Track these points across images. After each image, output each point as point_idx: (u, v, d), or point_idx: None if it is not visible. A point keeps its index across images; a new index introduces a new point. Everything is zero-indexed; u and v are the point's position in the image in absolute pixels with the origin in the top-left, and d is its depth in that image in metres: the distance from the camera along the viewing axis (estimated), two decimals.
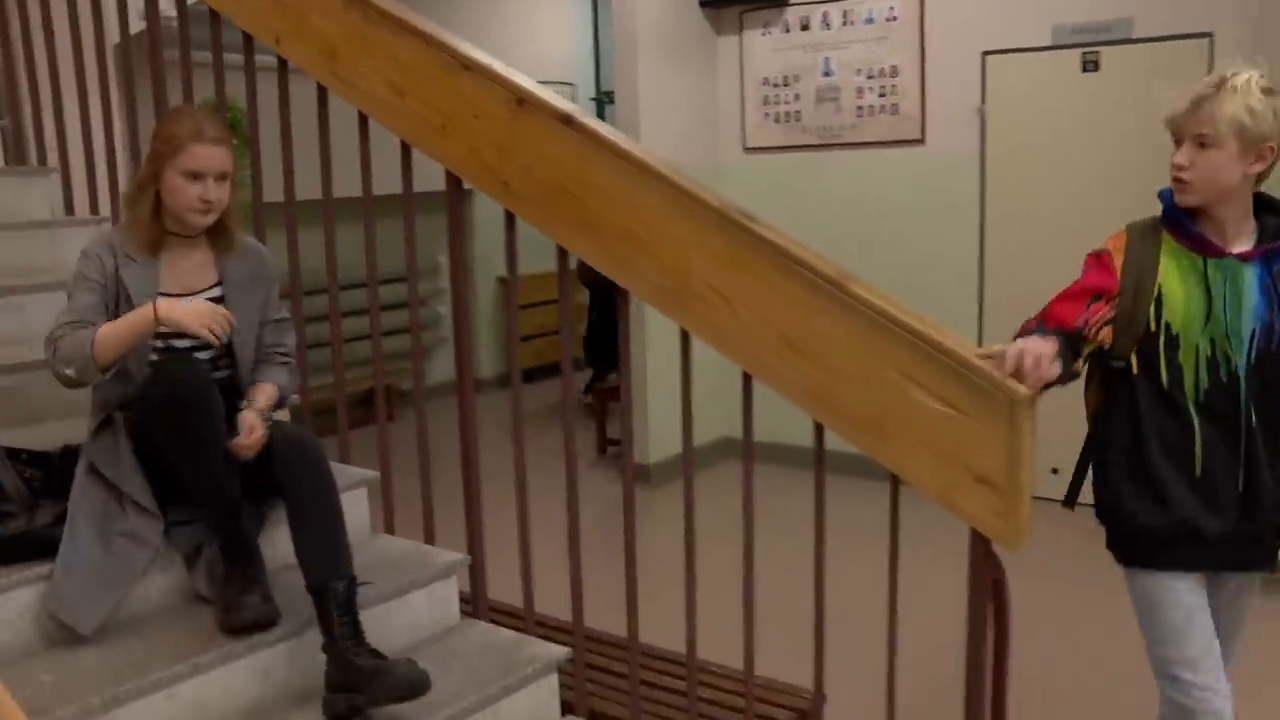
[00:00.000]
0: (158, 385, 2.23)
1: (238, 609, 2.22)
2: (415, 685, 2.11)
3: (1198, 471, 2.18)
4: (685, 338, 2.26)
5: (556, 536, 2.58)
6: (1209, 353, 2.16)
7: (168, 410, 2.22)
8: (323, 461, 2.35)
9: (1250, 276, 2.14)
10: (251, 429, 2.33)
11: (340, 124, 2.75)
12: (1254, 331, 2.14)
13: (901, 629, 2.17)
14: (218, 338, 2.26)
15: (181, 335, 2.32)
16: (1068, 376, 2.13)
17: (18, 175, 3.52)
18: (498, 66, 2.40)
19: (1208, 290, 2.16)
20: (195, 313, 2.24)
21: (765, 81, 5.88)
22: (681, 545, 2.33)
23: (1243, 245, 2.17)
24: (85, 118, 3.43)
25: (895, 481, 2.04)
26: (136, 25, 3.33)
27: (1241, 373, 2.16)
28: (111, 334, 2.22)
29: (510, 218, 2.47)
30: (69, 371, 2.21)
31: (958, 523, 1.96)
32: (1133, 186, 4.99)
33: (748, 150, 6.00)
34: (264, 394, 2.45)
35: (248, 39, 2.85)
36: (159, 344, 2.36)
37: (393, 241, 3.17)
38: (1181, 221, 2.20)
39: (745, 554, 2.29)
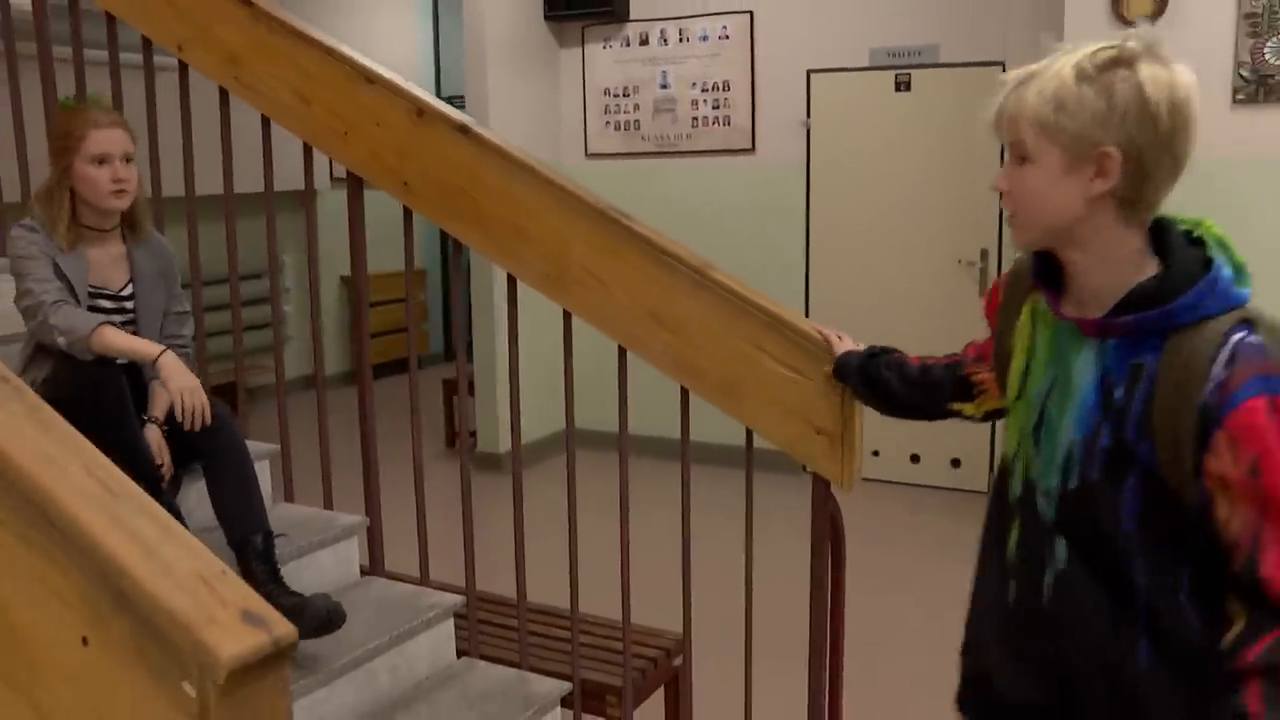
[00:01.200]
0: (69, 378, 2.45)
1: None
2: (333, 614, 2.37)
3: (1010, 601, 1.53)
4: (567, 318, 2.61)
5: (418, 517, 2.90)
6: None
7: (73, 405, 2.45)
8: (235, 429, 2.60)
9: (1085, 361, 1.42)
10: (160, 449, 2.56)
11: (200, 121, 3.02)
12: (1069, 448, 1.42)
13: (752, 581, 2.58)
14: (185, 417, 2.44)
15: (103, 297, 2.57)
16: (885, 401, 2.03)
17: None
18: (399, 80, 2.70)
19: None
20: (186, 387, 2.44)
21: (606, 92, 6.27)
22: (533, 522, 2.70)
23: (1094, 310, 1.41)
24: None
25: (750, 434, 2.45)
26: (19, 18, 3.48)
27: (1046, 506, 1.46)
28: (114, 340, 2.42)
29: (408, 214, 2.78)
30: (62, 340, 2.40)
31: (802, 504, 2.36)
32: (942, 195, 5.62)
33: (589, 156, 6.38)
34: (161, 403, 2.66)
35: (146, 42, 3.06)
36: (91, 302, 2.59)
37: (245, 240, 3.39)
38: (1037, 264, 1.50)
39: (621, 517, 2.66)
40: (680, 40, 6.04)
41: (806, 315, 5.91)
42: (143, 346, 2.48)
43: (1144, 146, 1.32)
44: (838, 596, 2.44)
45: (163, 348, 2.49)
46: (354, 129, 2.75)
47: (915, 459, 5.88)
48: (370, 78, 2.71)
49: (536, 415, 4.59)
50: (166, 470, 2.58)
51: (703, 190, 6.11)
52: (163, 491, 2.58)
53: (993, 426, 5.70)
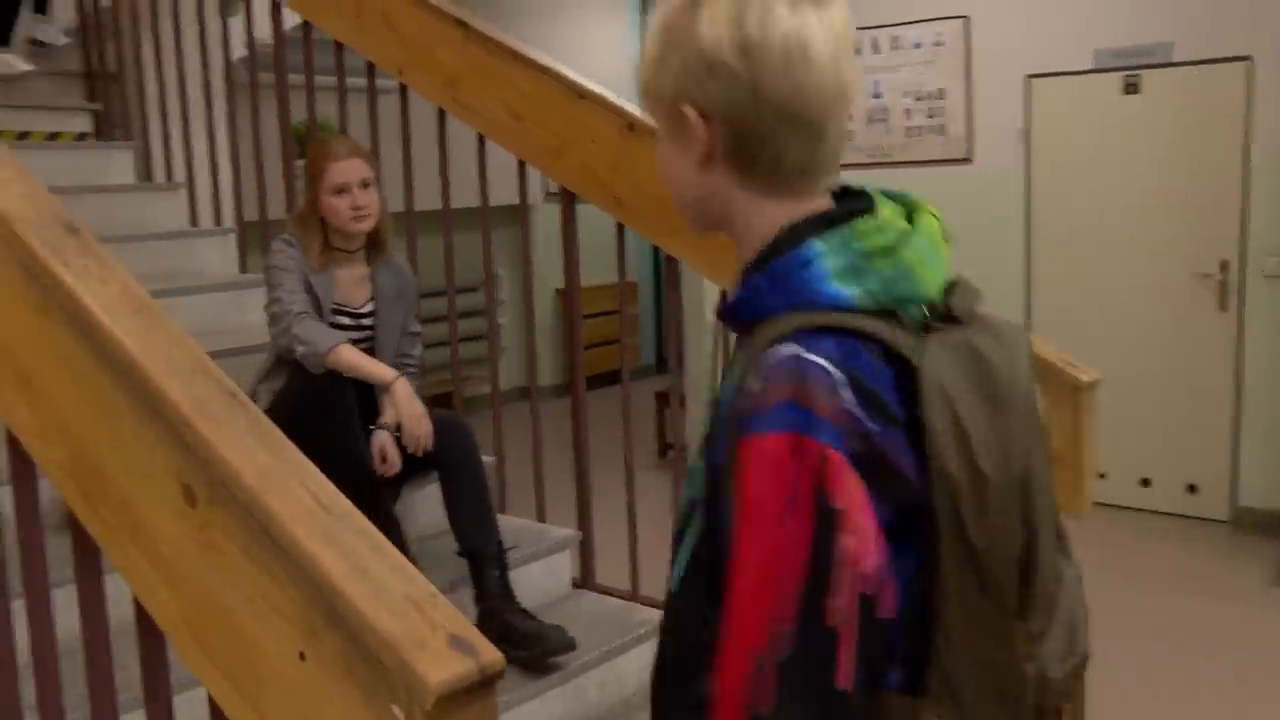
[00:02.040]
0: (300, 387, 2.57)
1: None
2: (569, 647, 2.48)
3: None
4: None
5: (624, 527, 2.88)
6: None
7: (301, 413, 2.55)
8: (474, 442, 2.68)
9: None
10: (384, 454, 2.65)
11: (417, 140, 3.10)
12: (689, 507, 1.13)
13: None
14: (408, 443, 2.60)
15: (344, 314, 2.68)
16: None
17: (147, 191, 3.86)
18: (610, 96, 2.71)
19: None
20: (414, 415, 2.59)
21: None
22: None
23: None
24: (211, 138, 3.78)
25: None
26: (244, 50, 3.69)
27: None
28: (351, 359, 2.55)
29: (621, 228, 2.78)
30: (300, 349, 2.54)
31: None
32: (1175, 204, 5.28)
33: None
34: (391, 412, 2.75)
35: (370, 67, 3.18)
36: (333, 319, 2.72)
37: (462, 254, 3.49)
38: None
39: None
40: (893, 48, 5.89)
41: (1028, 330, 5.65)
42: (377, 370, 2.60)
43: (722, 99, 1.06)
44: None
45: (396, 374, 2.62)
46: (567, 145, 2.78)
47: (1146, 483, 5.53)
48: (582, 94, 2.72)
49: None
50: (389, 470, 2.65)
51: None
52: (382, 498, 2.66)
53: (1235, 448, 5.30)
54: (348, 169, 2.66)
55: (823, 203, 1.11)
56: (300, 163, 4.38)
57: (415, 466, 2.70)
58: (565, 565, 2.94)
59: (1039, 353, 2.16)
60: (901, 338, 1.03)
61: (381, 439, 2.65)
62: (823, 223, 1.07)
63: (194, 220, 3.91)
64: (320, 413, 2.50)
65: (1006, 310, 5.81)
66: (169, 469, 1.13)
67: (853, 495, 0.98)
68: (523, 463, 3.11)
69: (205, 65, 3.73)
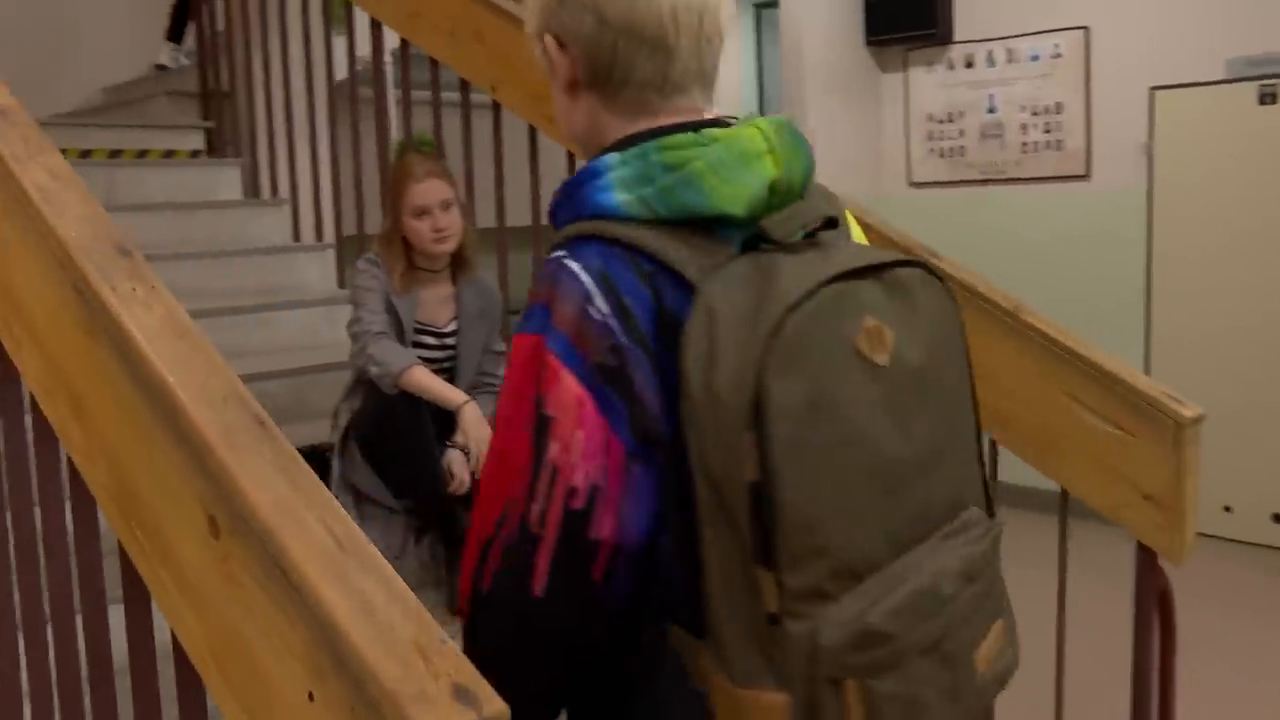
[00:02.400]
0: (376, 406, 2.58)
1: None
2: None
3: None
4: None
5: None
6: None
7: (377, 431, 2.55)
8: None
9: None
10: (452, 473, 2.64)
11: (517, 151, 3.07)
12: None
13: (1068, 650, 2.32)
14: (475, 467, 2.59)
15: (428, 333, 2.67)
16: None
17: (253, 206, 3.95)
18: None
19: None
20: (481, 439, 2.59)
21: (930, 117, 6.03)
22: None
23: None
24: (314, 156, 3.85)
25: (1064, 495, 2.20)
26: (356, 67, 3.74)
27: None
28: (423, 380, 2.56)
29: None
30: (374, 370, 2.56)
31: (1124, 558, 2.11)
32: None
33: (912, 185, 6.15)
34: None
35: (464, 83, 3.19)
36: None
37: None
38: None
39: None
40: (1008, 61, 5.71)
41: (1147, 355, 5.41)
42: (448, 393, 2.60)
43: (573, 26, 1.13)
44: (1167, 687, 2.15)
45: (466, 399, 2.61)
46: None
47: (1278, 519, 5.23)
48: None
49: None
50: (458, 488, 2.64)
51: (1032, 219, 5.73)
52: (457, 515, 2.65)
53: None
54: (427, 191, 2.66)
55: (679, 121, 1.12)
56: None
57: None
58: None
59: (1138, 386, 2.03)
60: (692, 255, 1.02)
61: (450, 458, 2.65)
62: (644, 137, 1.09)
63: (296, 235, 3.98)
64: (395, 432, 2.50)
65: (1123, 332, 5.58)
66: (195, 497, 1.12)
67: (567, 407, 1.00)
68: None
69: (310, 84, 3.80)
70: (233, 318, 3.21)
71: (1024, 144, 5.72)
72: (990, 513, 1.17)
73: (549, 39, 1.15)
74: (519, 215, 3.15)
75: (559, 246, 1.07)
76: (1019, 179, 5.76)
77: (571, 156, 2.92)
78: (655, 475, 1.02)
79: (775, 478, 0.94)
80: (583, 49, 1.13)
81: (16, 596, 1.64)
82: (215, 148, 4.23)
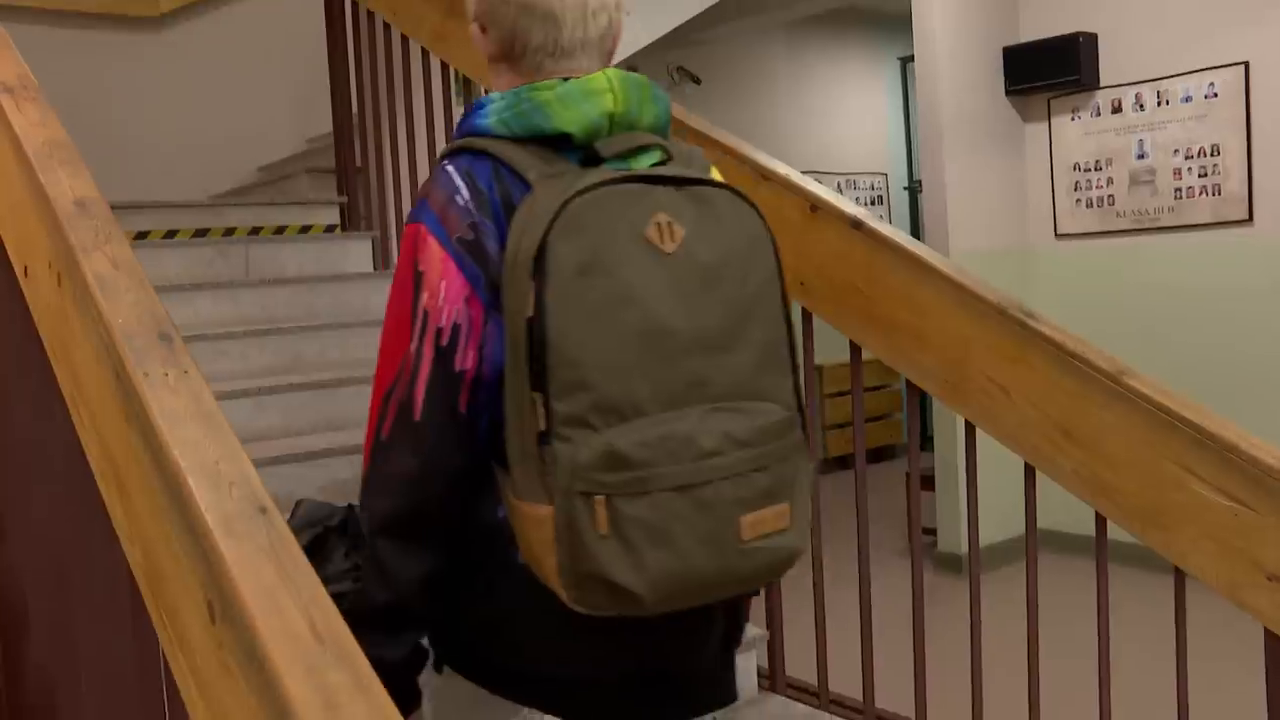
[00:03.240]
0: None
1: None
2: None
3: None
4: (970, 430, 2.35)
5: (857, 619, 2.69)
6: None
7: None
8: None
9: None
10: None
11: None
12: None
13: None
14: None
15: None
16: None
17: (381, 279, 4.07)
18: (793, 176, 2.61)
19: None
20: None
21: (1076, 166, 5.80)
22: (986, 634, 2.40)
23: None
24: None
25: (1180, 576, 2.04)
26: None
27: None
28: None
29: (807, 315, 2.66)
30: None
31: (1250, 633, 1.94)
32: None
33: (1060, 236, 5.92)
34: None
35: None
36: None
37: None
38: None
39: (1029, 649, 2.33)
40: (1159, 104, 5.45)
41: None
42: None
43: (488, 10, 1.41)
44: None
45: None
46: None
47: None
48: (765, 174, 2.64)
49: (1002, 513, 4.20)
50: None
51: (1189, 269, 5.43)
52: None
53: None
54: None
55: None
56: None
57: None
58: (751, 665, 2.80)
59: (1259, 456, 1.87)
60: (535, 163, 1.30)
61: None
62: (527, 88, 1.36)
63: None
64: None
65: None
66: (199, 582, 1.13)
67: (433, 263, 1.30)
68: None
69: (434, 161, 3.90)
70: (357, 388, 3.30)
71: (1178, 190, 5.43)
72: (803, 426, 1.36)
73: (475, 26, 1.44)
74: None
75: (443, 157, 1.37)
76: (1174, 227, 5.47)
77: None
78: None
79: (545, 316, 1.20)
80: (495, 27, 1.41)
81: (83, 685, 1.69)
82: (350, 222, 4.39)
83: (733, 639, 1.47)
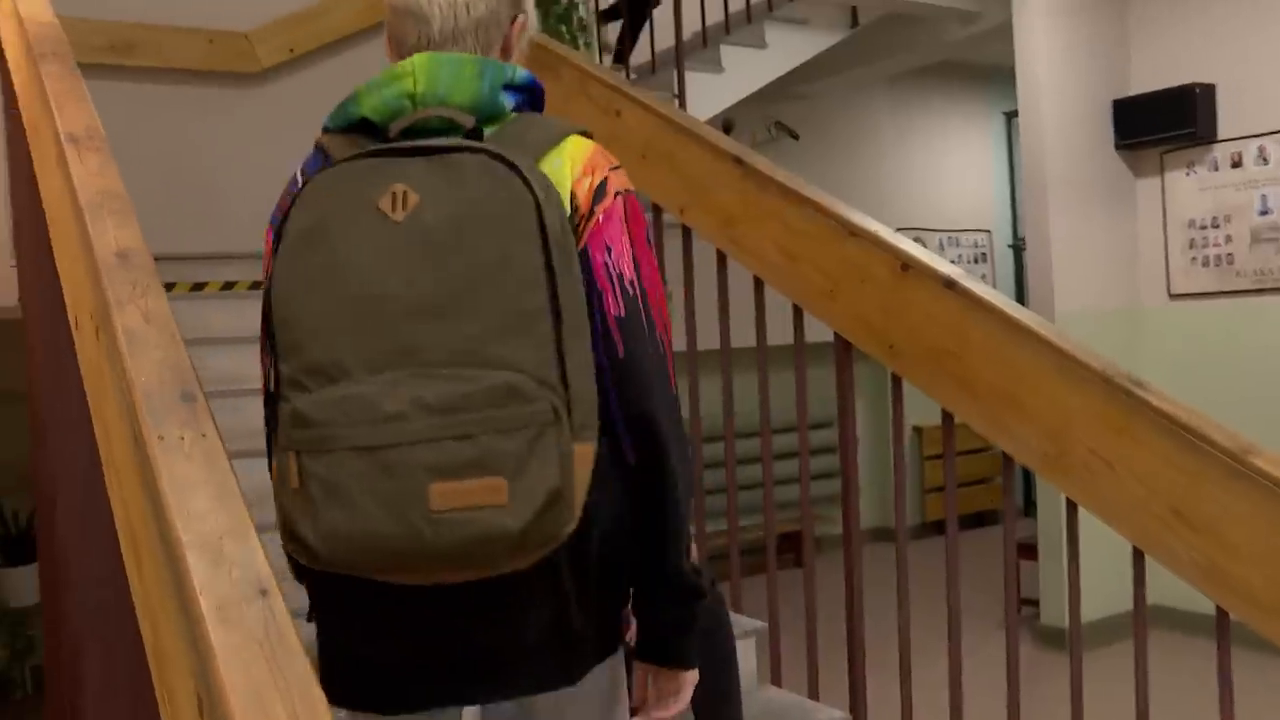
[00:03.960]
0: None
1: None
2: None
3: None
4: (1071, 507, 2.16)
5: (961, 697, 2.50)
6: None
7: None
8: (715, 603, 2.45)
9: None
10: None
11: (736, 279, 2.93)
12: None
13: None
14: None
15: None
16: None
17: None
18: (883, 233, 2.47)
19: None
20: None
21: (1192, 224, 5.52)
22: (1090, 716, 2.20)
23: None
24: None
25: None
26: None
27: None
28: None
29: (896, 381, 2.50)
30: None
31: None
32: None
33: (1174, 297, 5.63)
34: None
35: (655, 208, 3.13)
36: None
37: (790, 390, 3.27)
38: None
39: None
40: None
41: None
42: None
43: (386, 15, 1.53)
44: None
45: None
46: (839, 287, 2.55)
47: None
48: (854, 231, 2.50)
49: (1111, 586, 3.91)
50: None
51: None
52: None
53: None
54: None
55: None
56: None
57: None
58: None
59: None
60: (344, 148, 1.40)
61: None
62: None
63: None
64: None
65: None
66: (189, 669, 1.02)
67: (266, 239, 1.44)
68: (829, 614, 2.76)
69: None
70: None
71: None
72: (566, 400, 1.27)
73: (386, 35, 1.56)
74: (709, 338, 3.02)
75: None
76: None
77: (760, 285, 2.79)
78: None
79: (272, 281, 1.32)
80: (389, 34, 1.53)
81: None
82: None
83: (566, 622, 1.37)
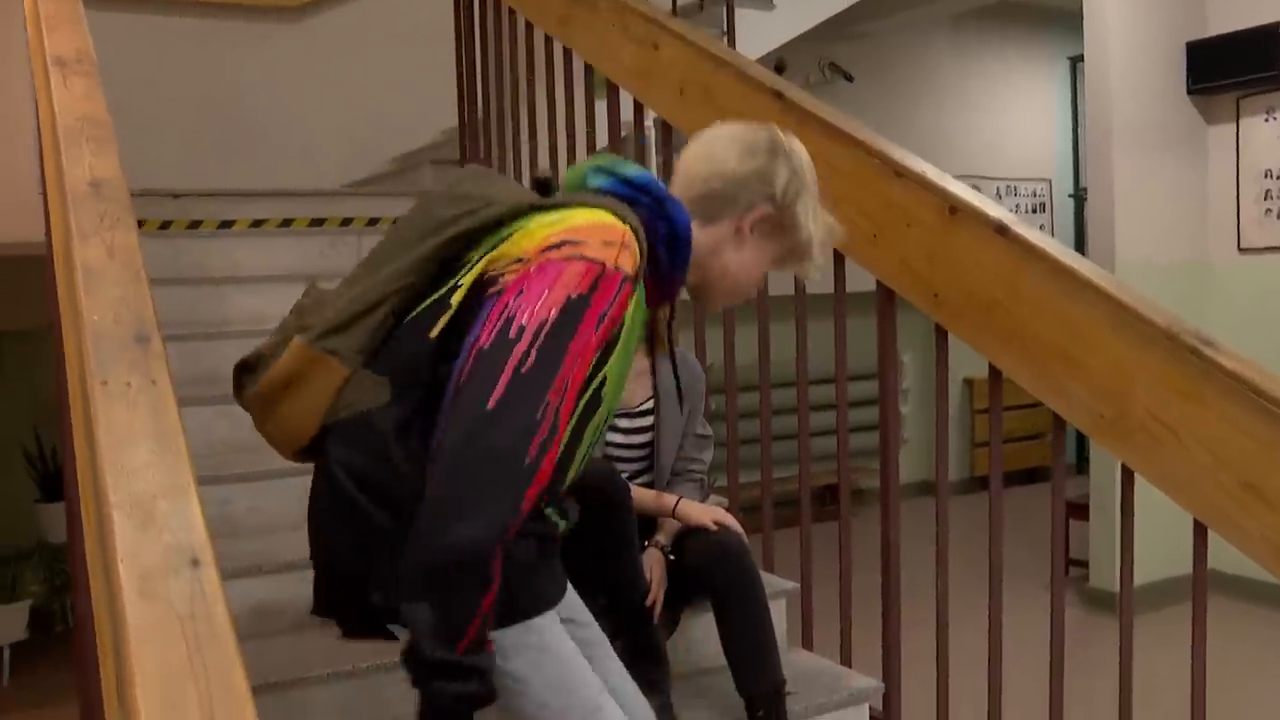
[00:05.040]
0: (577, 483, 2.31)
1: None
2: None
3: None
4: (1127, 475, 1.99)
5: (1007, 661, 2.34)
6: None
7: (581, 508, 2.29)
8: (747, 562, 2.33)
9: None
10: (657, 574, 2.37)
11: None
12: None
13: None
14: (721, 525, 2.38)
15: (620, 415, 2.47)
16: None
17: None
18: (930, 173, 2.29)
19: None
20: (711, 518, 2.39)
21: (1268, 174, 5.24)
22: (1141, 683, 2.05)
23: None
24: None
25: None
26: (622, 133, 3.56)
27: None
28: (633, 498, 2.33)
29: (941, 331, 2.33)
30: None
31: None
32: None
33: (1243, 250, 5.36)
34: (668, 529, 2.47)
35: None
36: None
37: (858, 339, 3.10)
38: None
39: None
40: None
41: None
42: (656, 503, 2.43)
43: None
44: None
45: (676, 498, 2.43)
46: (883, 231, 2.39)
47: None
48: (899, 171, 2.33)
49: (1168, 547, 3.70)
50: (655, 600, 2.37)
51: None
52: (652, 628, 2.36)
53: None
54: None
55: None
56: None
57: (698, 588, 2.39)
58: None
59: None
60: None
61: (650, 559, 2.38)
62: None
63: None
64: (597, 534, 2.25)
65: None
66: (109, 647, 0.91)
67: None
68: (867, 569, 2.61)
69: (571, 153, 3.64)
70: None
71: None
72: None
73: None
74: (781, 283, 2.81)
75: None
76: None
77: None
78: None
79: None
80: None
81: None
82: None
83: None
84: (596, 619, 2.43)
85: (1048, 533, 2.19)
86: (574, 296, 1.33)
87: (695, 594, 2.44)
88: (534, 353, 1.30)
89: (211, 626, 0.85)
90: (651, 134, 3.68)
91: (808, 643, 2.74)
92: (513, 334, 1.31)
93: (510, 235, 1.43)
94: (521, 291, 1.35)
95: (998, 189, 7.83)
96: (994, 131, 7.94)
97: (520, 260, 1.39)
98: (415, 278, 1.46)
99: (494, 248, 1.43)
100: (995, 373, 2.22)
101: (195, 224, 3.83)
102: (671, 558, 2.42)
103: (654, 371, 2.53)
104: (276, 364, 1.47)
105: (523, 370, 1.30)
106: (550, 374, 1.31)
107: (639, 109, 3.25)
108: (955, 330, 2.27)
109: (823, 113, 2.48)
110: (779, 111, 2.59)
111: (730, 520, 2.40)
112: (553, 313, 1.32)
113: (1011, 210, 7.76)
